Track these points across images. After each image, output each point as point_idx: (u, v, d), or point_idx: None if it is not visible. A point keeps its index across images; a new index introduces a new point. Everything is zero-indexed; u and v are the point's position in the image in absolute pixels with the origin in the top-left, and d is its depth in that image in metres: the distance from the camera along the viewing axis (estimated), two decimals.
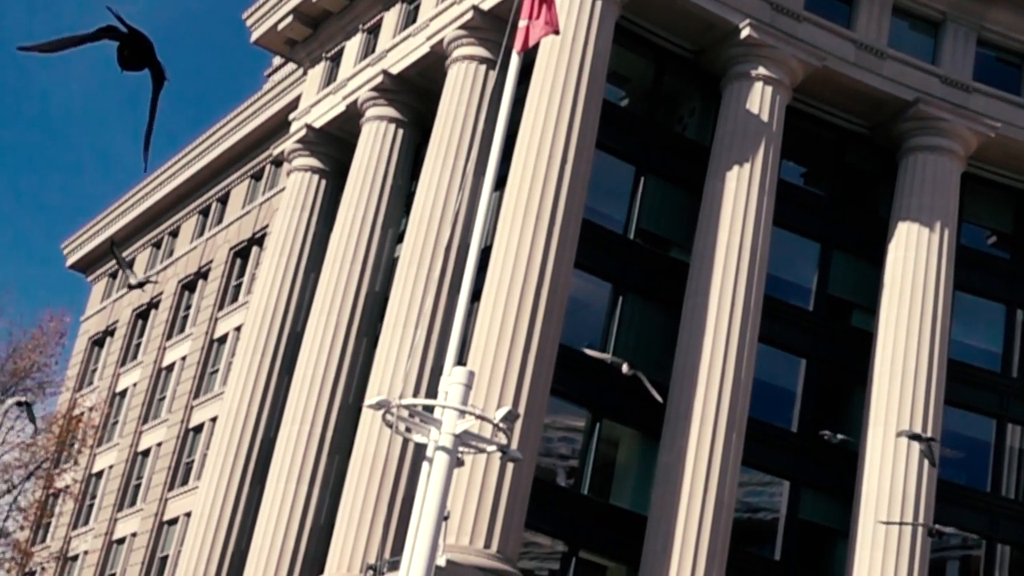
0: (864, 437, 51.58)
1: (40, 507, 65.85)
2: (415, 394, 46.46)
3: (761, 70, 52.93)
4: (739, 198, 51.36)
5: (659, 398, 44.30)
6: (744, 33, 52.70)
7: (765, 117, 52.60)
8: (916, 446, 50.48)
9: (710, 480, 47.66)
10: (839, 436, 44.81)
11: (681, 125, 55.88)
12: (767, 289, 51.57)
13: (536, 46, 48.51)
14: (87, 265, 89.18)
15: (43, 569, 72.10)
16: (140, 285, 42.89)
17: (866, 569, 49.56)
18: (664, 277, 52.26)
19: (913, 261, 53.78)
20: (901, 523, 48.18)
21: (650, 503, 48.60)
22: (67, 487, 68.47)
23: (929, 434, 47.61)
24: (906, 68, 55.72)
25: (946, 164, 55.35)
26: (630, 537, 48.57)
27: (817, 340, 54.21)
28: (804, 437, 52.01)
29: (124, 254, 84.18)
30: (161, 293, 78.96)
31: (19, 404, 54.21)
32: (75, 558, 75.59)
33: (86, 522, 76.43)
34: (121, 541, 72.16)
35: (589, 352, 43.36)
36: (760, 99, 52.81)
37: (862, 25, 55.53)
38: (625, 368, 41.66)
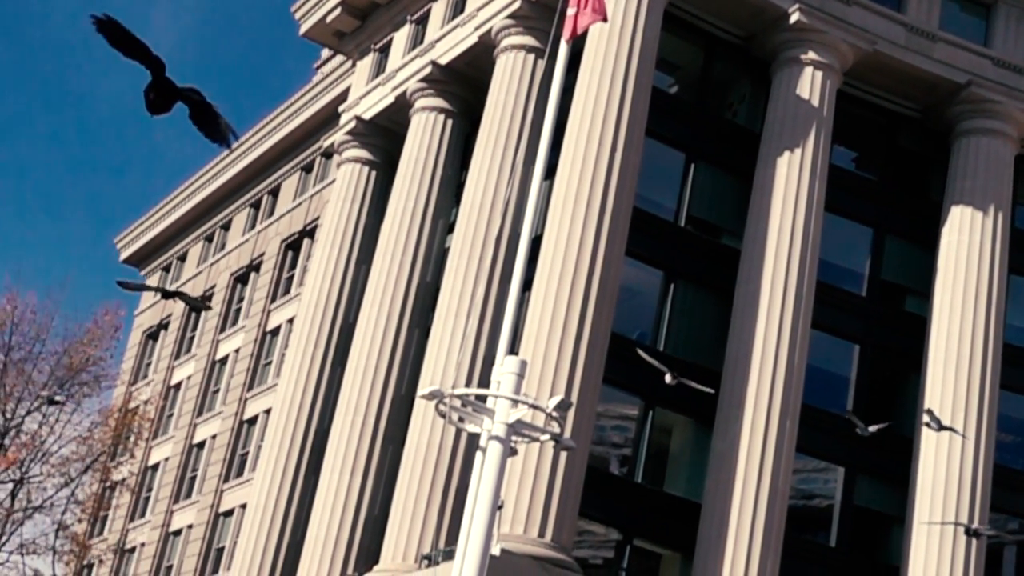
0: (919, 423, 51.26)
1: (97, 500, 66.36)
2: (467, 384, 46.47)
3: (811, 55, 52.66)
4: (790, 184, 51.14)
5: (710, 390, 44.29)
6: (794, 18, 52.44)
7: (816, 102, 52.33)
8: (972, 429, 50.22)
9: (764, 467, 47.52)
10: (871, 428, 44.56)
11: (731, 111, 55.66)
12: (819, 275, 51.34)
13: (584, 34, 48.39)
14: (140, 259, 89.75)
15: (101, 561, 72.70)
16: (198, 308, 43.09)
17: (922, 555, 49.31)
18: (715, 264, 52.10)
19: (967, 245, 53.41)
20: (943, 523, 47.75)
21: (704, 491, 48.49)
22: (123, 480, 68.96)
23: (949, 423, 46.90)
24: (958, 50, 55.30)
25: (999, 146, 54.93)
26: (684, 525, 48.49)
27: (870, 326, 53.93)
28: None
29: (176, 248, 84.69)
30: (214, 286, 79.38)
31: (51, 402, 54.73)
32: (132, 550, 76.16)
33: (143, 514, 76.97)
34: (177, 533, 72.65)
35: (640, 353, 43.28)
36: (810, 84, 52.54)
37: (912, 8, 55.15)
38: (668, 378, 41.74)
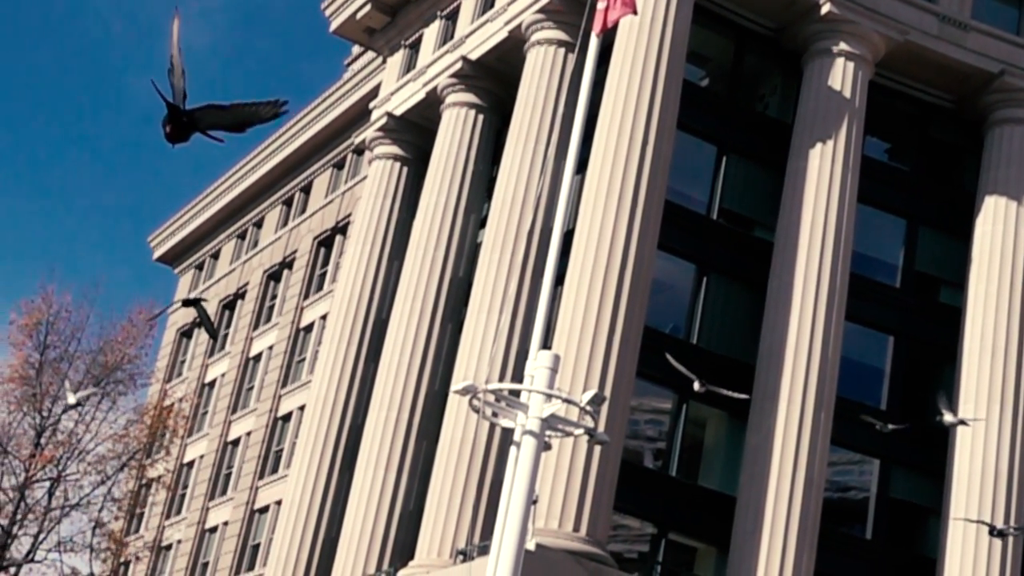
0: (955, 414, 50.98)
1: (134, 497, 66.64)
2: (501, 379, 46.50)
3: (843, 46, 52.46)
4: (823, 176, 50.96)
5: (743, 396, 44.38)
6: (825, 9, 52.23)
7: (847, 93, 52.13)
8: (1008, 420, 49.97)
9: (799, 460, 47.39)
10: (890, 425, 44.34)
11: (762, 104, 55.51)
12: (853, 267, 51.14)
13: (615, 28, 48.46)
14: (174, 258, 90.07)
15: (137, 559, 73.01)
16: (214, 335, 43.23)
17: (959, 547, 49.08)
18: (748, 257, 51.96)
19: (1001, 235, 53.14)
20: (977, 521, 47.43)
21: (739, 484, 48.39)
22: (159, 477, 69.26)
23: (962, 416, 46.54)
24: (990, 40, 54.98)
25: None
26: (719, 518, 48.40)
27: (905, 317, 53.71)
28: (893, 415, 51.49)
29: (210, 246, 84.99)
30: (247, 283, 79.62)
31: (73, 406, 55.02)
32: (169, 547, 76.47)
33: (179, 512, 77.28)
34: (213, 530, 72.91)
35: (670, 359, 43.29)
36: (842, 75, 52.34)
37: None
38: (697, 386, 41.72)
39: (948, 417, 42.87)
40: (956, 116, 56.31)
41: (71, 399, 45.72)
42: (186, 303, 40.74)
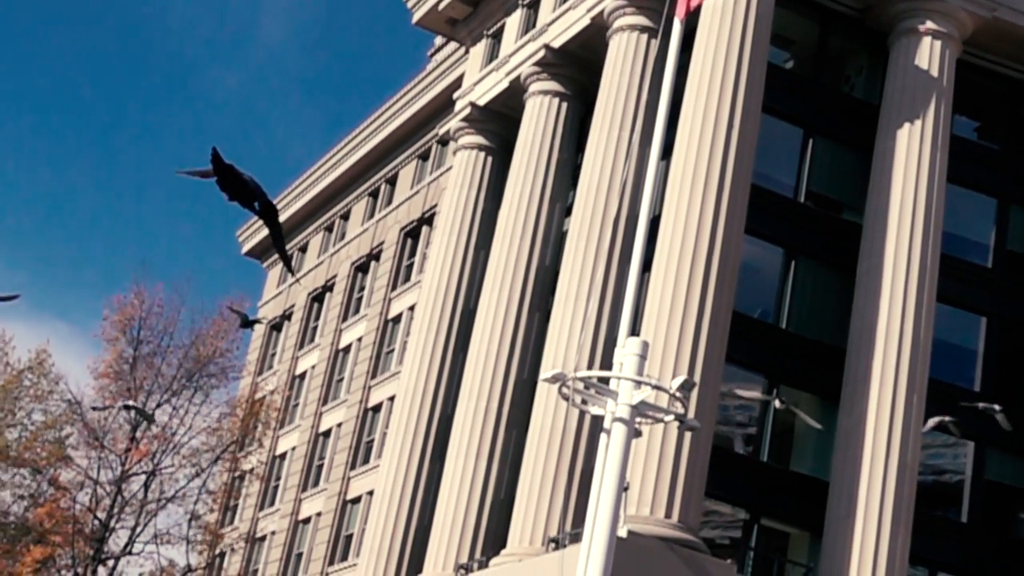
0: None
1: (227, 490, 67.31)
2: (589, 366, 46.46)
3: (929, 24, 51.86)
4: (911, 156, 50.45)
5: (818, 426, 44.22)
6: None
7: (935, 72, 51.54)
8: None
9: (892, 443, 46.99)
10: (948, 419, 43.75)
11: (848, 84, 55.01)
12: (943, 247, 50.61)
13: (697, 12, 48.26)
14: (262, 252, 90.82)
15: (232, 550, 73.71)
16: (251, 323, 43.69)
17: None
18: (837, 239, 51.56)
19: None
20: None
21: (831, 468, 48.06)
22: (252, 469, 69.88)
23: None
24: None
25: None
26: (812, 503, 48.11)
27: (997, 297, 53.05)
28: (987, 396, 50.87)
29: (297, 240, 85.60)
30: (335, 276, 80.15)
31: (126, 408, 55.65)
32: (263, 539, 77.17)
33: (272, 503, 77.96)
34: (306, 521, 73.49)
35: (739, 392, 43.21)
36: (929, 54, 51.76)
37: None
38: (777, 404, 41.53)
39: (1000, 417, 42.14)
40: None
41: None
42: (244, 324, 41.42)
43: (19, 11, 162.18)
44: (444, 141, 68.02)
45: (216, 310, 60.48)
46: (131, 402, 55.47)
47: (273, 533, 76.02)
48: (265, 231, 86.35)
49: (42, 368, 58.21)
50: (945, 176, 50.94)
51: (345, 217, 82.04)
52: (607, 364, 34.67)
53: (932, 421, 43.96)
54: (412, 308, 68.07)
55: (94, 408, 56.17)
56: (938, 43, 51.91)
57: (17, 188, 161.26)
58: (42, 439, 57.89)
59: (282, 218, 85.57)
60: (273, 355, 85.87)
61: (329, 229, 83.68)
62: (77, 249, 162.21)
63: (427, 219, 71.68)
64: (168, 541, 58.39)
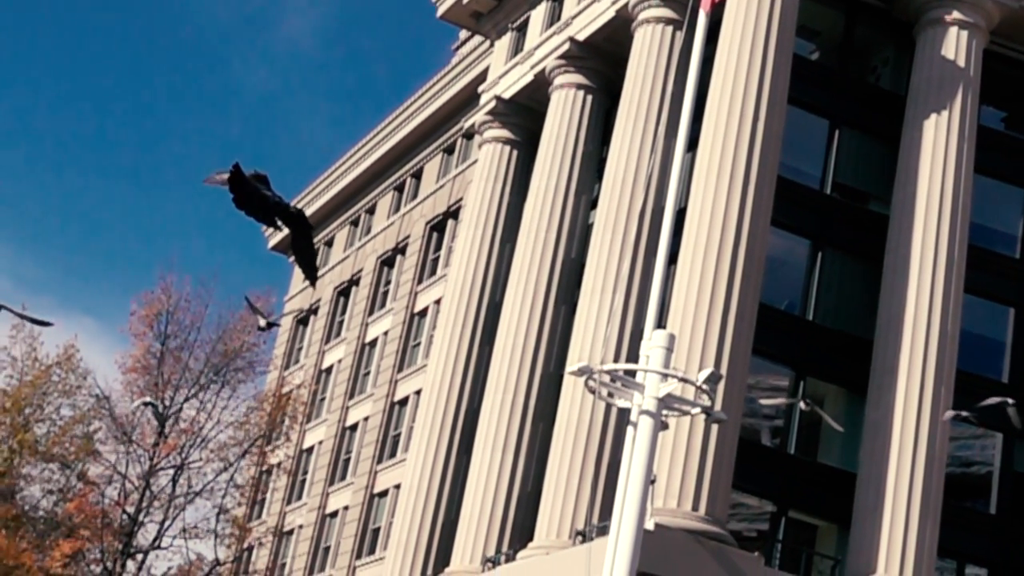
0: None
1: (255, 484, 67.44)
2: (616, 359, 46.43)
3: (956, 14, 51.64)
4: (938, 147, 50.26)
5: (840, 428, 44.18)
6: None
7: (962, 62, 51.33)
8: None
9: (920, 435, 46.85)
10: (963, 413, 43.55)
11: (874, 75, 54.84)
12: (971, 238, 50.42)
13: (722, 4, 48.19)
14: (287, 246, 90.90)
15: (260, 544, 73.86)
16: (269, 326, 43.84)
17: None
18: (863, 231, 51.42)
19: None
20: None
21: (859, 460, 47.96)
22: (280, 463, 69.99)
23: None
24: None
25: None
26: (839, 495, 48.02)
27: None
28: (1015, 388, 50.73)
29: (323, 234, 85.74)
30: (361, 270, 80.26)
31: (145, 404, 55.80)
32: (290, 532, 77.36)
33: (299, 497, 78.15)
34: (334, 515, 73.65)
35: (763, 401, 43.19)
36: (956, 44, 51.54)
37: None
38: (803, 405, 41.45)
39: (1011, 412, 41.83)
40: None
41: (261, 323, 46.27)
42: (265, 326, 41.54)
43: (45, 9, 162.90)
44: (469, 135, 68.02)
45: (243, 304, 60.59)
46: (148, 399, 55.72)
47: (301, 527, 76.21)
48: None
49: (70, 363, 58.37)
50: (972, 166, 50.75)
51: (371, 211, 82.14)
52: (633, 357, 34.65)
53: (949, 413, 43.79)
54: (438, 302, 68.13)
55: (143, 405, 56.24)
56: (965, 33, 51.69)
57: (44, 185, 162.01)
58: (71, 434, 58.08)
59: (307, 213, 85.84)
60: (300, 349, 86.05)
61: (355, 223, 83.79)
62: (104, 245, 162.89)
63: (453, 213, 71.71)
64: (196, 535, 58.52)
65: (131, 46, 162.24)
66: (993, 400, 42.26)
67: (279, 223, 18.41)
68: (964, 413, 42.76)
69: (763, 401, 44.37)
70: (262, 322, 39.70)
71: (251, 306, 38.29)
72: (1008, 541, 50.38)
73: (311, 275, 19.34)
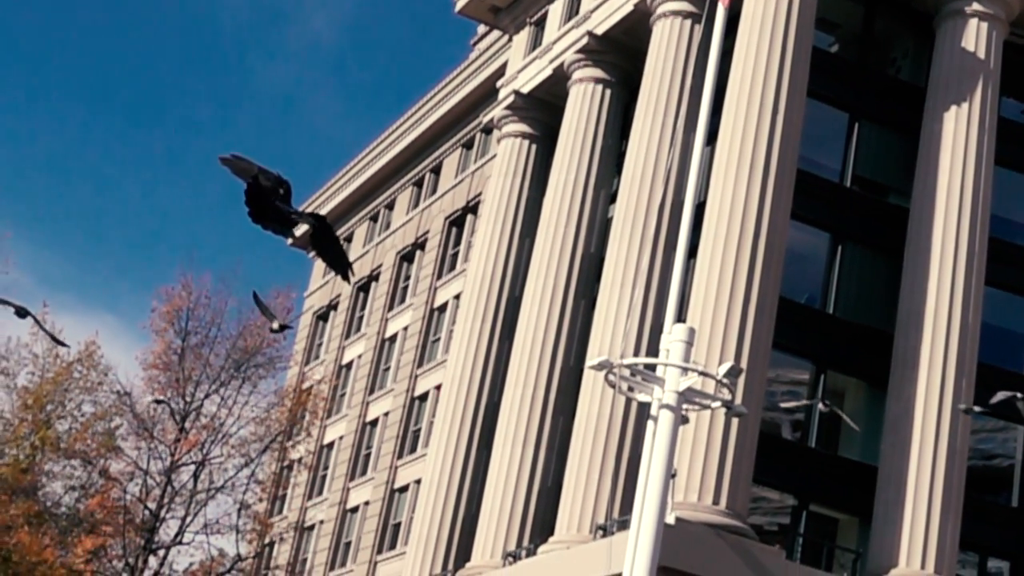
0: None
1: (276, 479, 67.57)
2: (636, 353, 46.41)
3: (976, 6, 51.47)
4: (958, 139, 50.11)
5: (856, 427, 44.14)
6: None
7: (982, 54, 51.16)
8: None
9: (941, 428, 46.74)
10: (976, 408, 43.34)
11: (894, 68, 54.69)
12: (991, 230, 50.26)
13: None
14: (307, 242, 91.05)
15: (281, 539, 74.02)
16: (282, 328, 43.86)
17: None
18: (883, 224, 51.30)
19: None
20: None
21: (880, 453, 47.86)
22: (300, 459, 70.13)
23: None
24: None
25: None
26: (860, 489, 47.93)
27: None
28: None
29: (342, 230, 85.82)
30: (380, 265, 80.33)
31: (157, 402, 55.96)
32: (311, 528, 77.50)
33: (320, 492, 78.28)
34: (354, 510, 73.75)
35: (784, 405, 43.20)
36: (976, 36, 51.38)
37: None
38: (821, 407, 41.42)
39: (1021, 406, 41.61)
40: None
41: (274, 325, 46.48)
42: (278, 329, 41.63)
43: (67, 6, 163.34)
44: (488, 129, 68.02)
45: (263, 300, 60.64)
46: (160, 397, 56.03)
47: (321, 522, 76.34)
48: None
49: (91, 360, 58.56)
50: (993, 159, 50.59)
51: (390, 207, 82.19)
52: (653, 351, 34.68)
53: (962, 406, 43.64)
54: (458, 297, 68.16)
55: (156, 401, 56.52)
56: (985, 24, 51.52)
57: (64, 182, 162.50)
58: (92, 430, 58.27)
59: (327, 209, 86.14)
60: (320, 345, 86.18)
61: (374, 219, 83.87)
62: (124, 242, 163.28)
63: (472, 208, 71.73)
64: (218, 531, 58.69)
65: (152, 42, 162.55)
66: (1004, 394, 42.14)
67: (295, 232, 18.65)
68: (976, 408, 42.65)
69: (783, 405, 44.32)
70: (275, 324, 39.79)
71: (260, 305, 38.23)
72: None
73: (344, 269, 19.41)
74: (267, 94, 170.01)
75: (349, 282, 21.06)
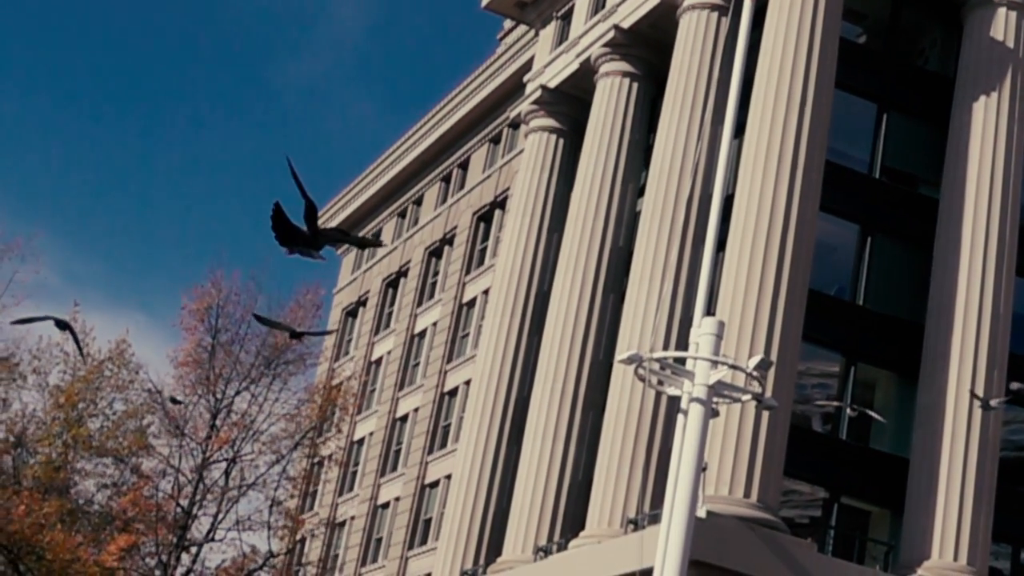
0: None
1: (307, 476, 67.72)
2: (665, 347, 46.34)
3: None
4: (987, 129, 49.89)
5: (883, 419, 44.02)
6: None
7: (1011, 43, 50.93)
8: None
9: (972, 419, 46.56)
10: (992, 402, 43.07)
11: (922, 58, 54.47)
12: (1022, 220, 50.05)
13: None
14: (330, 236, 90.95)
15: (313, 536, 74.20)
16: (298, 336, 44.02)
17: None
18: (913, 215, 51.11)
19: None
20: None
21: (911, 445, 47.71)
22: (331, 455, 70.26)
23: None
24: None
25: None
26: (892, 481, 47.79)
27: None
28: None
29: (371, 226, 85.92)
30: (409, 261, 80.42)
31: (174, 402, 56.16)
32: (342, 524, 77.65)
33: (351, 488, 78.42)
34: (385, 506, 73.87)
35: (818, 402, 43.08)
36: (1004, 25, 51.14)
37: None
38: (849, 411, 41.29)
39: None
40: None
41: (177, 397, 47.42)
42: (292, 335, 41.84)
43: (96, 6, 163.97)
44: (515, 124, 68.00)
45: (292, 298, 60.85)
46: (176, 395, 56.36)
47: (352, 518, 76.48)
48: (337, 219, 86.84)
49: (122, 358, 58.77)
50: (1023, 148, 50.32)
51: (418, 202, 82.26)
52: (683, 344, 34.57)
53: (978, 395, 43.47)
54: (486, 292, 68.18)
55: (172, 400, 56.82)
56: (1013, 14, 51.29)
57: (94, 183, 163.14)
58: (124, 428, 58.49)
59: (355, 205, 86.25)
60: (349, 341, 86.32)
61: (402, 215, 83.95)
62: (155, 241, 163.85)
63: (500, 203, 71.73)
64: (249, 527, 58.85)
65: (180, 39, 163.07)
66: (1017, 385, 42.05)
67: (321, 253, 18.74)
68: (993, 402, 42.48)
69: (817, 402, 44.18)
70: (293, 329, 40.00)
71: (264, 322, 38.56)
72: None
73: (372, 243, 19.47)
74: (295, 91, 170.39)
75: (381, 244, 21.26)
